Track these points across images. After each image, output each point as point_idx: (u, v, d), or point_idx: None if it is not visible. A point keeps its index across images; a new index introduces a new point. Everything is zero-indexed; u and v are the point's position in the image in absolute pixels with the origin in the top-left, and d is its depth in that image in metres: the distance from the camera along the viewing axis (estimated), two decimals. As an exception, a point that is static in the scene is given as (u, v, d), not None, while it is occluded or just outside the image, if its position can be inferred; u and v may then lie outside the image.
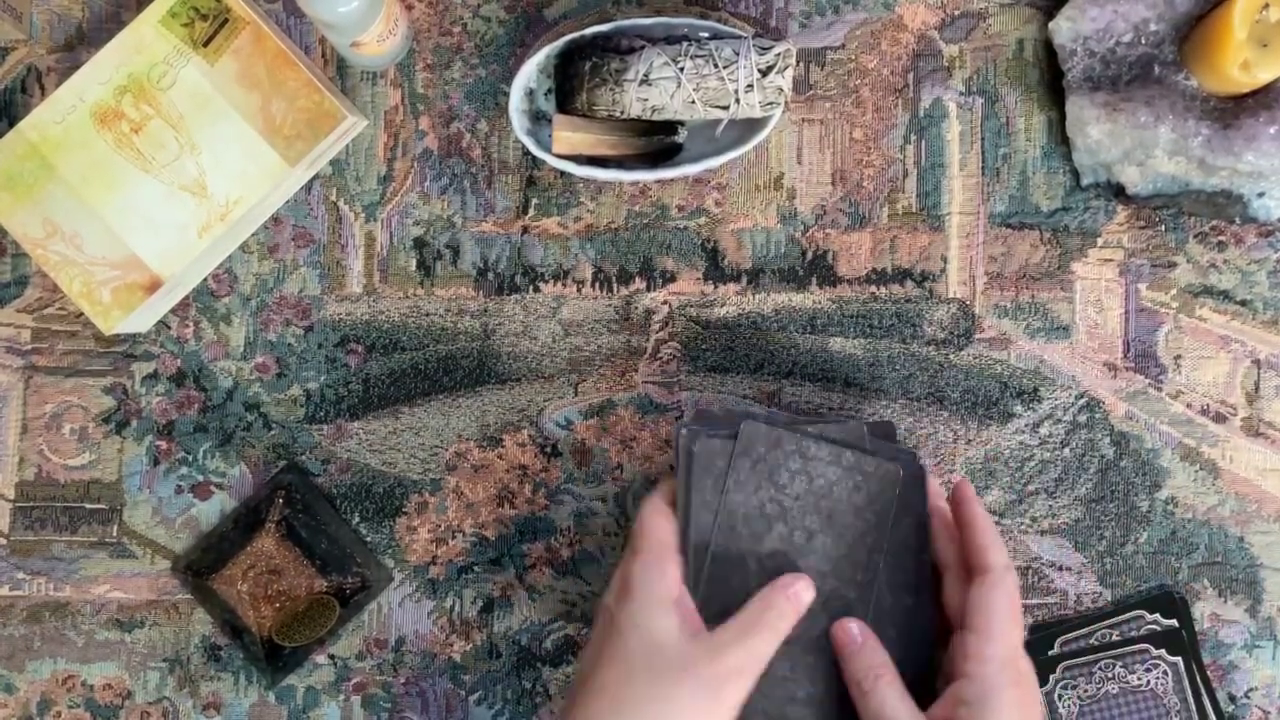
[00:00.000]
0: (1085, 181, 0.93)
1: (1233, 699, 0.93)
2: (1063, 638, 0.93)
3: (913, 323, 0.95)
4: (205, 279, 0.95)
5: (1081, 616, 0.93)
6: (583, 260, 0.96)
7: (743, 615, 0.71)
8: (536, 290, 0.96)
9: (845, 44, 0.95)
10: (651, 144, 0.93)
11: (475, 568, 0.95)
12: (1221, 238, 0.94)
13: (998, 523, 0.94)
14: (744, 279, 0.95)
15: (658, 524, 0.74)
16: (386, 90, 0.95)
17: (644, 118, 0.89)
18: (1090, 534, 0.93)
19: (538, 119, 0.92)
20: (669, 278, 0.95)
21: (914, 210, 0.95)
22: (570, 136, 0.90)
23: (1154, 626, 0.92)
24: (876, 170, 0.95)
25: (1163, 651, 0.91)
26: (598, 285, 0.96)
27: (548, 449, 0.95)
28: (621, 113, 0.88)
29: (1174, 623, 0.92)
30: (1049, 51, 0.93)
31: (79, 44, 0.95)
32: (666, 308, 0.95)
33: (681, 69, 0.87)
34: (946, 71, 0.95)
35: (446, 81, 0.95)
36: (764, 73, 0.87)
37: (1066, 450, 0.94)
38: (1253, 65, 0.84)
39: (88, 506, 0.95)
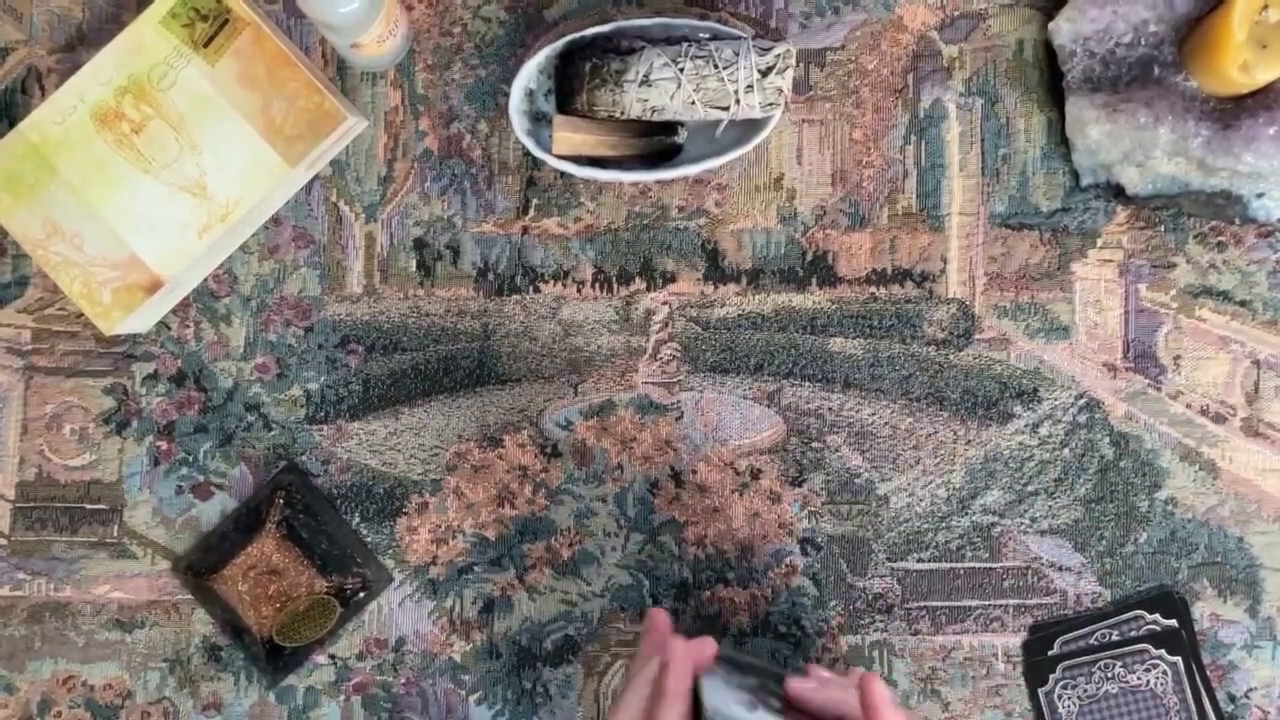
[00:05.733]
0: (1085, 182, 0.93)
1: (1232, 699, 0.93)
2: (1063, 638, 0.93)
3: (913, 323, 0.95)
4: (205, 279, 0.95)
5: (1081, 616, 0.93)
6: (583, 261, 0.96)
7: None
8: (536, 291, 0.96)
9: (845, 45, 0.95)
10: (651, 144, 0.93)
11: (475, 568, 0.95)
12: (1221, 238, 0.94)
13: (997, 523, 0.94)
14: (744, 279, 0.95)
15: None
16: (387, 91, 0.95)
17: (644, 118, 0.89)
18: (1090, 534, 0.94)
19: (538, 119, 0.92)
20: (669, 278, 0.96)
21: (914, 211, 0.95)
22: (570, 137, 0.90)
23: (1154, 626, 0.92)
24: (876, 171, 0.95)
25: (1162, 651, 0.91)
26: (598, 286, 0.96)
27: (548, 449, 0.95)
28: (622, 113, 0.88)
29: (1174, 623, 0.92)
30: (1049, 52, 0.93)
31: (79, 44, 0.95)
32: (666, 308, 0.95)
33: (681, 70, 0.87)
34: (946, 72, 0.95)
35: (447, 82, 0.95)
36: (764, 73, 0.87)
37: (1066, 450, 0.94)
38: (1252, 66, 0.84)
39: (88, 507, 0.95)
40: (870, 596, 0.94)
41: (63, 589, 0.95)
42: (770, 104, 0.88)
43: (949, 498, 0.94)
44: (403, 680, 0.94)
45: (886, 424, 0.95)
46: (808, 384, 0.95)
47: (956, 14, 0.95)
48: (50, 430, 0.95)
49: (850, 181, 0.95)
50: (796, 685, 0.70)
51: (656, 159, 0.93)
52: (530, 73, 0.89)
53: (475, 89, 0.95)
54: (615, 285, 0.96)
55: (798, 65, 0.95)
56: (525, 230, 0.95)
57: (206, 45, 0.88)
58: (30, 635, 0.95)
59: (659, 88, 0.87)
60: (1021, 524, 0.94)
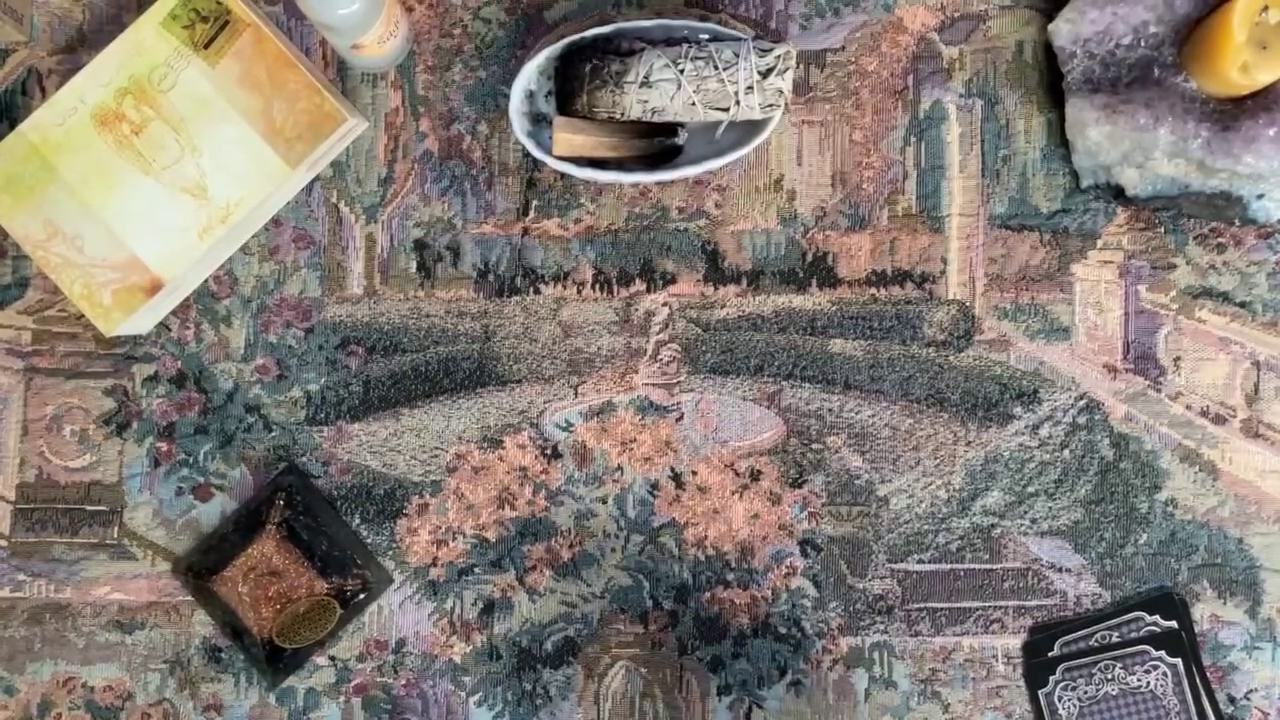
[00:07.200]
0: (1085, 183, 0.93)
1: (1232, 700, 0.93)
2: (1063, 639, 0.93)
3: (913, 324, 0.95)
4: (206, 281, 0.95)
5: (1081, 618, 0.93)
6: (583, 262, 0.96)
7: None
8: (537, 292, 0.96)
9: (845, 46, 0.95)
10: (652, 146, 0.93)
11: (475, 569, 0.95)
12: (1221, 239, 0.94)
13: (997, 524, 0.94)
14: (744, 281, 0.95)
15: None
16: (387, 92, 0.96)
17: (644, 120, 0.89)
18: (1090, 535, 0.94)
19: (538, 121, 0.92)
20: (669, 279, 0.96)
21: (914, 212, 0.95)
22: (570, 138, 0.90)
23: (1153, 628, 0.92)
24: (876, 172, 0.95)
25: (1162, 653, 0.91)
26: (598, 287, 0.96)
27: (548, 451, 0.95)
28: (622, 115, 0.88)
29: (1174, 624, 0.92)
30: (1049, 54, 0.93)
31: (80, 46, 0.95)
32: (667, 309, 0.96)
33: (681, 71, 0.87)
34: (946, 73, 0.95)
35: (447, 83, 0.96)
36: (764, 75, 0.87)
37: (1066, 452, 0.94)
38: (1252, 67, 0.84)
39: (88, 508, 0.95)
40: (870, 598, 0.94)
41: (63, 590, 0.95)
42: (770, 105, 0.88)
43: (949, 499, 0.94)
44: (403, 682, 0.94)
45: (887, 425, 0.95)
46: (808, 385, 0.95)
47: (956, 15, 0.95)
48: (50, 432, 0.95)
49: (850, 183, 0.95)
50: None
51: (657, 160, 0.93)
52: (530, 74, 0.89)
53: (475, 90, 0.95)
54: (615, 286, 0.96)
55: (798, 66, 0.95)
56: (525, 231, 0.95)
57: (207, 46, 0.88)
58: (30, 637, 0.95)
59: (659, 89, 0.87)
60: (1021, 525, 0.94)
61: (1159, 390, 0.94)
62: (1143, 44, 0.89)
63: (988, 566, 0.94)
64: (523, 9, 0.95)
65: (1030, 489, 0.94)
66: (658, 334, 0.95)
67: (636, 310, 0.96)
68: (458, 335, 0.96)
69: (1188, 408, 0.94)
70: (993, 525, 0.94)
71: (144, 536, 0.95)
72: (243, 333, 0.95)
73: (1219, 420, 0.94)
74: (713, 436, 0.95)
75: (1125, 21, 0.88)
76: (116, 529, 0.95)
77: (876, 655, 0.94)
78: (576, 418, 0.95)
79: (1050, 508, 0.94)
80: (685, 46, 0.88)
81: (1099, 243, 0.94)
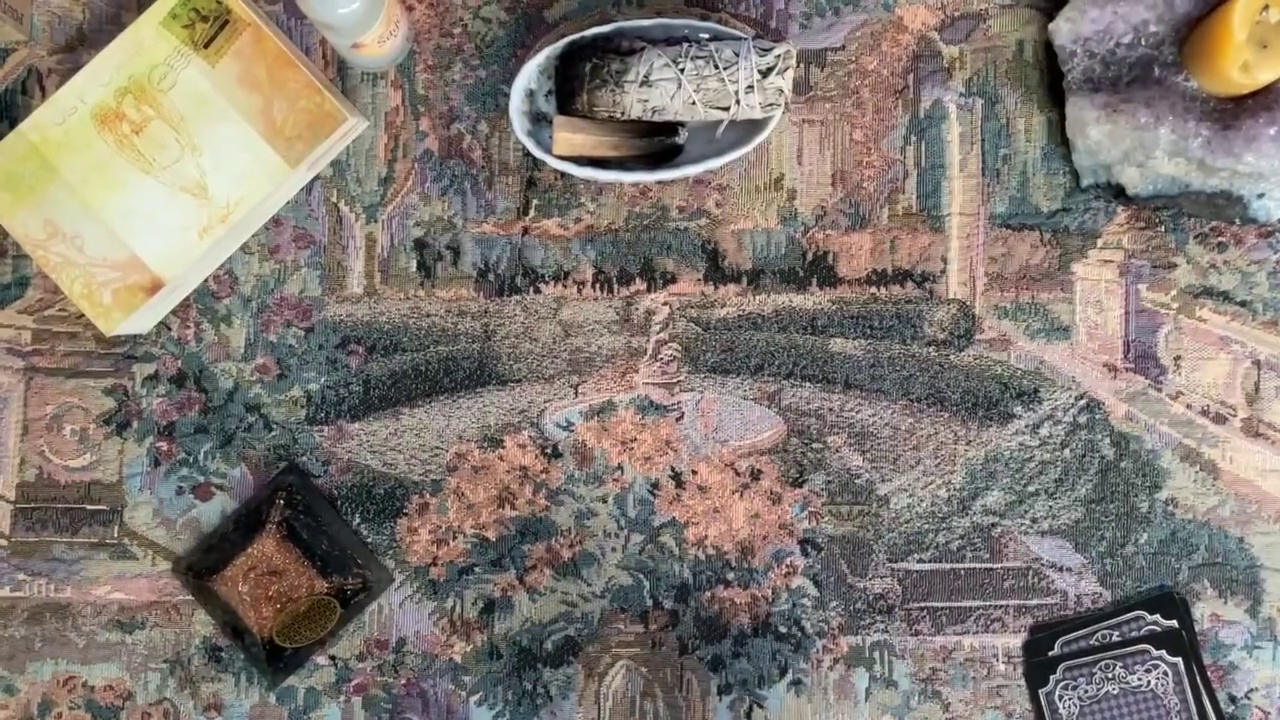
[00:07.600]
0: (1085, 182, 0.93)
1: (1233, 699, 0.93)
2: (1063, 638, 0.93)
3: (913, 323, 0.95)
4: (206, 280, 0.95)
5: (1082, 617, 0.93)
6: (583, 261, 0.96)
7: None
8: (537, 291, 0.96)
9: (845, 45, 0.95)
10: (652, 145, 0.93)
11: (476, 569, 0.95)
12: (1221, 239, 0.94)
13: (998, 524, 0.94)
14: (744, 280, 0.95)
15: None
16: (387, 91, 0.95)
17: (644, 119, 0.89)
18: (1090, 535, 0.94)
19: (538, 120, 0.92)
20: (669, 279, 0.96)
21: (914, 211, 0.95)
22: (571, 138, 0.90)
23: (1154, 627, 0.92)
24: (877, 171, 0.95)
25: (1163, 652, 0.91)
26: (598, 286, 0.96)
27: (548, 450, 0.95)
28: (622, 114, 0.88)
29: (1174, 623, 0.92)
30: (1049, 53, 0.93)
31: (80, 45, 0.95)
32: (667, 309, 0.96)
33: (682, 70, 0.87)
34: (946, 73, 0.95)
35: (447, 83, 0.95)
36: (764, 74, 0.87)
37: (1067, 451, 0.94)
38: (1252, 66, 0.84)
39: (88, 508, 0.95)
40: (871, 597, 0.94)
41: (63, 590, 0.95)
42: (771, 104, 0.88)
43: (949, 498, 0.94)
44: (403, 681, 0.94)
45: (887, 424, 0.95)
46: (808, 384, 0.95)
47: (957, 14, 0.95)
48: (51, 431, 0.95)
49: (850, 182, 0.95)
50: None
51: (657, 159, 0.93)
52: (530, 73, 0.89)
53: (475, 89, 0.95)
54: (616, 286, 0.96)
55: (798, 66, 0.95)
56: (526, 231, 0.95)
57: (207, 46, 0.88)
58: (31, 636, 0.95)
59: (659, 88, 0.87)
60: (1022, 524, 0.94)
61: (1159, 389, 0.94)
62: (1143, 43, 0.89)
63: (988, 566, 0.94)
64: (523, 8, 0.95)
65: (1031, 488, 0.94)
66: (658, 333, 0.95)
67: (637, 309, 0.96)
68: (458, 334, 0.96)
69: (1188, 407, 0.94)
70: (993, 524, 0.94)
71: (144, 536, 0.95)
72: (243, 332, 0.95)
73: (1219, 419, 0.94)
74: (713, 436, 0.95)
75: (1125, 20, 0.88)
76: (117, 528, 0.95)
77: (877, 654, 0.94)
78: (577, 417, 0.95)
79: (1051, 507, 0.94)
80: (685, 46, 0.88)
81: (1099, 242, 0.94)
